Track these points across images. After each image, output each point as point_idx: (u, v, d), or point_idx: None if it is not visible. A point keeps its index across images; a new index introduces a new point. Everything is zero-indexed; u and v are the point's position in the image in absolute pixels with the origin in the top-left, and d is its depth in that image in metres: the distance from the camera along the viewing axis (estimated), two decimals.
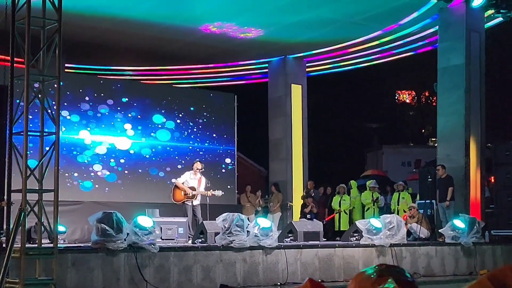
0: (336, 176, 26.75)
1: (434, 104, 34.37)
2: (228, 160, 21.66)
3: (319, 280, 13.17)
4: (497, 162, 18.31)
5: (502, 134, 35.69)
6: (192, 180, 15.53)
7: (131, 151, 19.93)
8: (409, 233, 15.95)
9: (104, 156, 19.46)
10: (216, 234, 12.74)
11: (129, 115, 20.02)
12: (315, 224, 15.49)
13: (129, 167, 19.84)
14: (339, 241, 15.51)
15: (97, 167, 19.32)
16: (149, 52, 21.11)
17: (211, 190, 15.51)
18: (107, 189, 19.36)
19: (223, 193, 16.00)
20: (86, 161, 19.15)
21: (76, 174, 18.88)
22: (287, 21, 18.57)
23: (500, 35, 28.43)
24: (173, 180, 16.68)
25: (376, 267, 2.54)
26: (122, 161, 19.74)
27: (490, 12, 17.91)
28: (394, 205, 19.26)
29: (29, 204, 9.08)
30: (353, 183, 20.55)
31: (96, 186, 19.19)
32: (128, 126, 19.95)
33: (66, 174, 18.34)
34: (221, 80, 24.90)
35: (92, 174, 19.23)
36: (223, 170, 21.43)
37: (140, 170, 20.00)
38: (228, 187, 20.86)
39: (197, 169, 15.67)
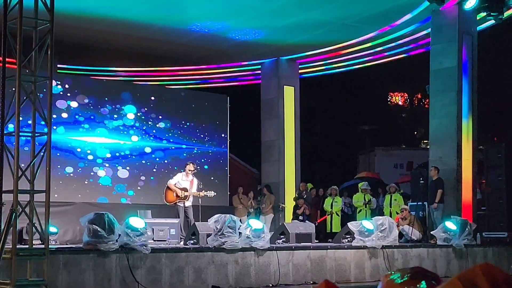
0: (328, 178, 26.76)
1: (426, 106, 34.45)
2: (220, 162, 21.65)
3: (311, 282, 13.18)
4: (489, 164, 18.37)
5: (494, 137, 35.82)
6: (184, 182, 15.52)
7: (123, 152, 19.90)
8: (401, 235, 15.98)
9: (95, 157, 19.42)
10: (208, 235, 12.73)
11: (121, 116, 19.99)
12: (307, 226, 15.50)
13: (121, 167, 19.80)
14: (331, 243, 15.51)
15: (89, 168, 19.29)
16: (141, 54, 21.08)
17: (203, 191, 15.51)
18: (99, 189, 19.34)
19: (215, 193, 16.00)
20: (77, 162, 19.12)
21: (68, 175, 18.85)
22: (280, 23, 18.58)
23: (492, 38, 28.51)
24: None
25: (411, 269, 2.56)
26: (114, 161, 19.70)
27: (483, 14, 17.95)
28: (386, 207, 19.28)
29: (20, 205, 9.06)
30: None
31: (90, 186, 19.16)
32: (119, 127, 19.92)
33: (59, 173, 18.30)
34: (213, 82, 24.89)
35: (85, 174, 19.19)
36: (215, 172, 21.42)
37: (132, 171, 19.96)
38: (219, 191, 20.85)
39: (189, 170, 15.67)
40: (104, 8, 17.14)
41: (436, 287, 2.50)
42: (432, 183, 17.02)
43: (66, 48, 18.48)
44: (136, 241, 11.38)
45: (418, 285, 2.47)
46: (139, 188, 19.84)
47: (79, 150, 19.18)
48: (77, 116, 19.30)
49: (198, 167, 17.75)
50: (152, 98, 20.77)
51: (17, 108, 9.13)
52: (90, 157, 19.35)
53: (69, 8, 16.39)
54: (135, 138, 20.13)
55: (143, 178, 20.06)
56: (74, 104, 19.28)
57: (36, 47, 9.51)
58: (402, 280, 2.51)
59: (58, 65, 20.29)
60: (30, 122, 9.78)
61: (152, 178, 20.10)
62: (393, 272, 2.60)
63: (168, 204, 15.54)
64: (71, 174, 18.98)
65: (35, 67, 9.54)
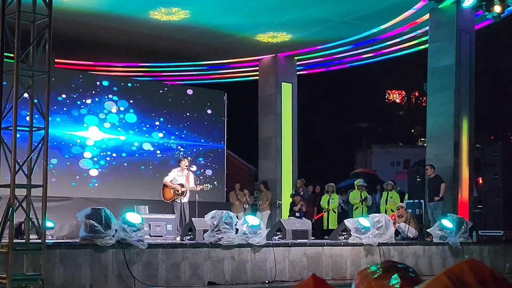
0: (325, 175, 26.78)
1: (423, 104, 34.45)
2: (217, 158, 21.65)
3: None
4: (486, 162, 18.40)
5: (491, 135, 35.86)
6: (180, 177, 15.53)
7: (120, 148, 19.90)
8: (397, 232, 15.99)
9: (93, 152, 19.42)
10: (205, 231, 12.74)
11: (119, 111, 19.98)
12: (304, 223, 15.50)
13: (118, 163, 19.81)
14: (327, 240, 15.53)
15: (86, 163, 19.29)
16: (139, 49, 21.07)
17: (200, 185, 15.54)
18: (95, 185, 19.33)
19: (211, 186, 16.03)
20: (75, 156, 19.11)
21: (65, 170, 18.85)
22: (278, 20, 18.59)
23: (490, 36, 28.53)
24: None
25: (382, 263, 2.56)
26: (111, 157, 19.70)
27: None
28: (382, 204, 19.30)
29: (17, 199, 9.05)
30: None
31: (85, 182, 19.16)
32: (117, 122, 19.91)
33: (54, 171, 18.30)
34: (211, 78, 24.88)
35: (82, 169, 19.19)
36: (212, 168, 21.43)
37: (129, 167, 19.96)
38: (216, 187, 20.86)
39: (185, 165, 15.67)
40: (102, 3, 17.12)
41: (413, 278, 2.51)
42: (430, 180, 17.03)
43: (64, 43, 18.46)
44: (132, 236, 11.38)
45: (389, 281, 2.48)
46: (135, 183, 19.82)
47: (74, 145, 19.17)
48: (73, 111, 19.28)
49: (193, 163, 17.72)
50: (150, 93, 20.76)
51: (15, 103, 9.12)
52: (86, 152, 19.35)
53: (67, 3, 16.39)
54: (131, 134, 20.12)
55: (139, 173, 20.05)
56: (70, 98, 19.27)
57: (34, 42, 9.49)
58: (375, 276, 2.52)
59: (56, 60, 20.26)
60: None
61: (149, 173, 20.09)
62: (369, 266, 2.62)
63: (166, 201, 15.52)
64: (67, 169, 18.98)
65: (33, 61, 9.53)
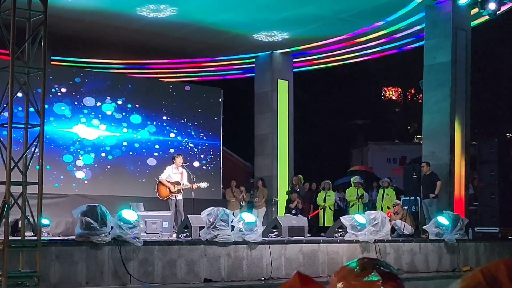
0: (321, 172, 26.81)
1: (420, 101, 34.50)
2: (213, 155, 21.63)
3: None
4: (482, 160, 18.42)
5: (487, 132, 35.90)
6: (175, 175, 15.51)
7: (117, 145, 19.87)
8: (393, 229, 16.02)
9: (89, 149, 19.39)
10: (201, 228, 12.73)
11: (115, 108, 19.95)
12: (300, 220, 15.51)
13: (114, 160, 19.78)
14: (323, 237, 15.53)
15: (81, 160, 19.25)
16: (135, 46, 21.04)
17: (196, 183, 15.51)
18: (92, 182, 19.30)
19: (208, 184, 16.00)
20: (70, 154, 19.08)
21: (59, 168, 18.82)
22: (275, 17, 18.58)
23: (486, 33, 28.56)
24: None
25: (359, 261, 2.55)
26: (107, 154, 19.67)
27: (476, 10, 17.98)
28: (378, 201, 19.33)
29: (13, 197, 9.04)
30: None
31: (81, 179, 19.14)
32: (113, 119, 19.88)
33: (52, 176, 18.27)
34: (207, 75, 24.87)
35: (76, 167, 19.15)
36: (209, 165, 21.41)
37: (125, 164, 19.94)
38: (213, 184, 20.85)
39: (179, 163, 15.65)
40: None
41: (389, 273, 2.49)
42: (426, 177, 17.06)
43: (60, 40, 18.43)
44: (128, 233, 11.37)
45: (368, 276, 2.47)
46: (131, 180, 19.79)
47: (69, 142, 19.14)
48: (69, 108, 19.25)
49: (188, 159, 17.71)
50: (146, 90, 20.72)
51: (10, 100, 9.10)
52: (81, 149, 19.31)
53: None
54: (127, 130, 20.09)
55: (135, 170, 20.02)
56: (65, 95, 19.24)
57: (30, 38, 9.48)
58: (354, 274, 2.51)
59: (52, 57, 20.23)
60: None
61: (145, 170, 20.06)
62: (347, 264, 2.60)
63: (162, 199, 15.52)
64: (64, 167, 18.96)
65: (29, 58, 9.51)
